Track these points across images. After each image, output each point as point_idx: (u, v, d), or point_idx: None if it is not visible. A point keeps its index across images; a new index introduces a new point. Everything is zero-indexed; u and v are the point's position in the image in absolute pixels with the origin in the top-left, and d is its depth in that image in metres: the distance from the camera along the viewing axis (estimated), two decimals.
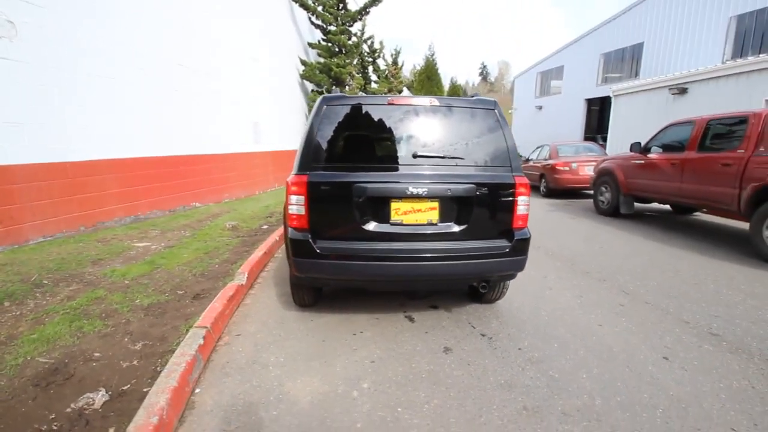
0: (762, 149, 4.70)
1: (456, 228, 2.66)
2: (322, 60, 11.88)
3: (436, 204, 2.61)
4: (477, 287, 3.12)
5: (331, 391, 2.25)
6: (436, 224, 2.64)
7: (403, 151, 2.63)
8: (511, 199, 2.69)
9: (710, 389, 2.30)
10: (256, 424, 1.98)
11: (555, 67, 24.09)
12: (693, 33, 15.37)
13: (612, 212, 7.47)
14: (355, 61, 12.60)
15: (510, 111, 29.82)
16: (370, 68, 17.56)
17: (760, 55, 11.19)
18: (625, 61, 19.11)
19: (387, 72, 18.52)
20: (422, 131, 2.67)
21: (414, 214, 2.60)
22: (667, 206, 8.02)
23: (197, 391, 2.24)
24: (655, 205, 7.93)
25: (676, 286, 3.93)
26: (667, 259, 4.85)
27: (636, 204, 7.36)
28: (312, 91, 12.48)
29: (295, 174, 2.63)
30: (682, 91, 12.42)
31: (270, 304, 3.50)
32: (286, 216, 2.70)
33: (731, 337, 2.94)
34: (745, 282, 4.04)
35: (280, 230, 5.85)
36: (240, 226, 6.34)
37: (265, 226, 6.46)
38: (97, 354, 2.50)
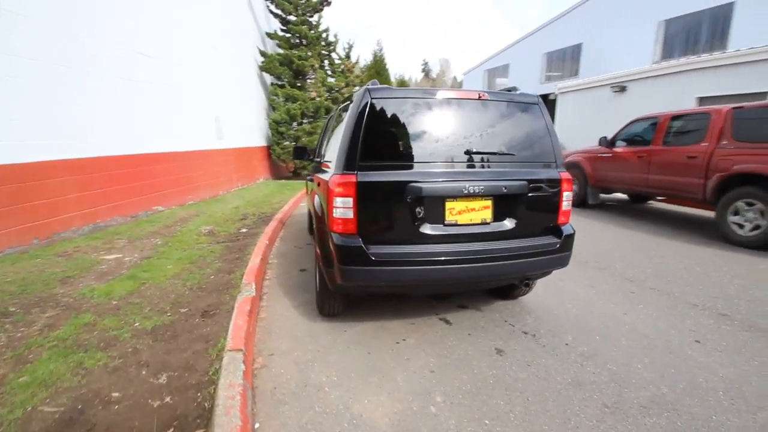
0: (725, 142, 5.18)
1: (508, 226, 2.58)
2: (281, 51, 11.29)
3: (489, 202, 2.51)
4: (517, 285, 3.08)
5: (407, 409, 2.08)
6: (489, 223, 2.54)
7: (454, 147, 2.50)
8: (557, 195, 2.67)
9: (751, 368, 2.45)
10: None
11: (501, 65, 25.15)
12: (626, 35, 16.76)
13: (579, 203, 7.90)
14: (316, 53, 12.13)
15: None
16: (326, 62, 17.09)
17: (690, 57, 12.50)
18: (566, 60, 20.41)
19: (342, 66, 18.17)
20: (471, 126, 2.55)
21: (468, 214, 2.48)
22: (624, 196, 8.66)
23: (257, 426, 1.96)
24: (615, 195, 8.53)
25: (669, 271, 4.20)
26: (648, 245, 5.20)
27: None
28: (272, 84, 11.83)
29: (339, 173, 2.39)
30: (622, 89, 13.50)
31: (289, 316, 3.21)
32: (329, 220, 2.44)
33: (739, 316, 3.18)
34: (724, 263, 4.43)
35: (269, 233, 5.46)
36: (216, 231, 5.82)
37: (243, 230, 5.98)
38: (115, 394, 2.10)
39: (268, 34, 11.77)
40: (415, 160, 2.44)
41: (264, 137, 11.72)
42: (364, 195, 2.35)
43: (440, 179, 2.42)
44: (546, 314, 3.21)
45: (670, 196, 6.47)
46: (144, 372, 2.30)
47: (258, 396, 2.18)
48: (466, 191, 2.42)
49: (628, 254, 4.82)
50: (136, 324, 2.87)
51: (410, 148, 2.44)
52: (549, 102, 20.25)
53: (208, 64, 8.39)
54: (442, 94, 2.49)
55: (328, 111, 11.66)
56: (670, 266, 4.36)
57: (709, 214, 6.50)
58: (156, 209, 6.67)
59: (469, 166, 2.51)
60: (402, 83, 39.37)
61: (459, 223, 2.48)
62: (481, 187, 2.44)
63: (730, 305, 3.37)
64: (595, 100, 14.64)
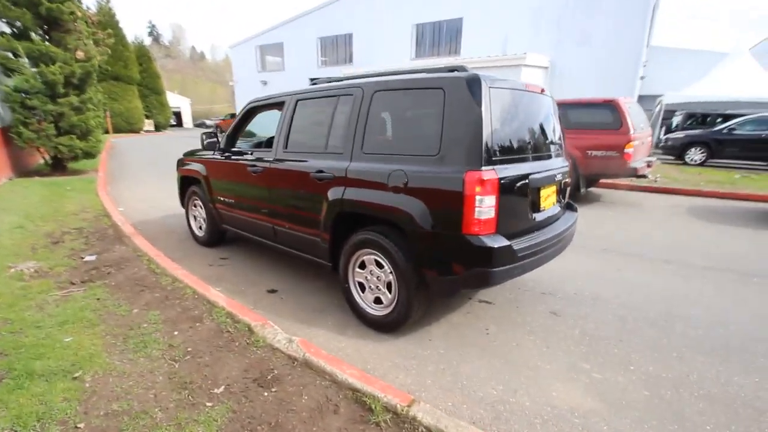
0: None
1: (560, 207, 2.99)
2: None
3: (555, 188, 2.84)
4: None
5: (584, 384, 2.25)
6: (554, 206, 2.87)
7: (542, 138, 2.67)
8: (569, 177, 3.27)
9: (659, 281, 3.83)
10: None
11: (275, 43, 24.48)
12: (390, 33, 19.44)
13: None
14: None
15: (231, 83, 28.02)
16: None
17: (439, 58, 15.90)
18: (340, 47, 21.91)
19: (86, 19, 13.59)
20: (543, 118, 2.77)
21: (548, 199, 2.74)
22: None
23: None
24: None
25: None
26: None
27: None
28: (1, 34, 7.56)
29: (475, 170, 2.15)
30: None
31: (349, 346, 2.63)
32: (465, 221, 2.16)
33: (612, 250, 4.75)
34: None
35: (158, 254, 3.96)
36: (46, 268, 3.73)
37: (89, 258, 4.09)
38: None
39: None
40: (524, 152, 2.48)
41: None
42: (503, 191, 2.24)
43: (544, 169, 2.57)
44: (532, 275, 3.86)
45: None
46: None
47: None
48: (556, 179, 2.67)
49: None
50: None
51: (519, 139, 2.45)
52: None
53: None
54: (529, 87, 2.59)
55: (115, 78, 8.61)
56: None
57: None
58: None
59: (549, 155, 2.75)
60: (142, 50, 32.33)
61: (545, 208, 2.72)
62: (561, 174, 2.74)
63: (599, 244, 4.93)
64: None
